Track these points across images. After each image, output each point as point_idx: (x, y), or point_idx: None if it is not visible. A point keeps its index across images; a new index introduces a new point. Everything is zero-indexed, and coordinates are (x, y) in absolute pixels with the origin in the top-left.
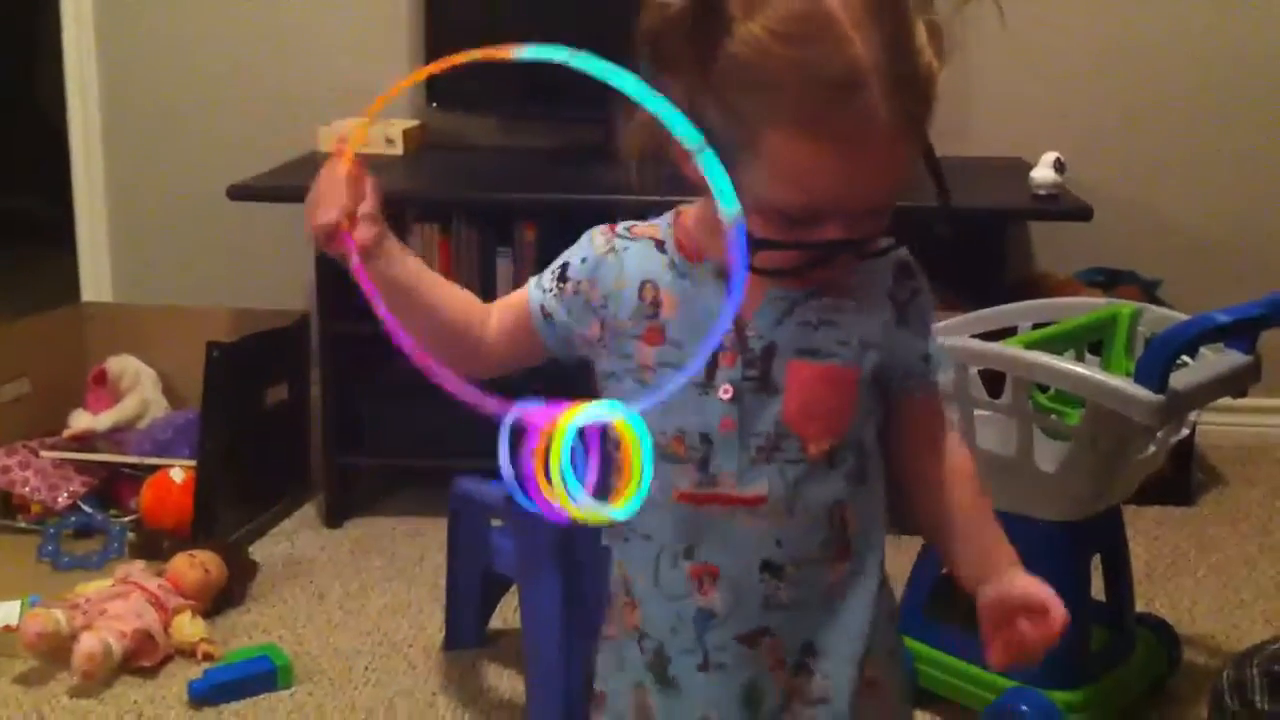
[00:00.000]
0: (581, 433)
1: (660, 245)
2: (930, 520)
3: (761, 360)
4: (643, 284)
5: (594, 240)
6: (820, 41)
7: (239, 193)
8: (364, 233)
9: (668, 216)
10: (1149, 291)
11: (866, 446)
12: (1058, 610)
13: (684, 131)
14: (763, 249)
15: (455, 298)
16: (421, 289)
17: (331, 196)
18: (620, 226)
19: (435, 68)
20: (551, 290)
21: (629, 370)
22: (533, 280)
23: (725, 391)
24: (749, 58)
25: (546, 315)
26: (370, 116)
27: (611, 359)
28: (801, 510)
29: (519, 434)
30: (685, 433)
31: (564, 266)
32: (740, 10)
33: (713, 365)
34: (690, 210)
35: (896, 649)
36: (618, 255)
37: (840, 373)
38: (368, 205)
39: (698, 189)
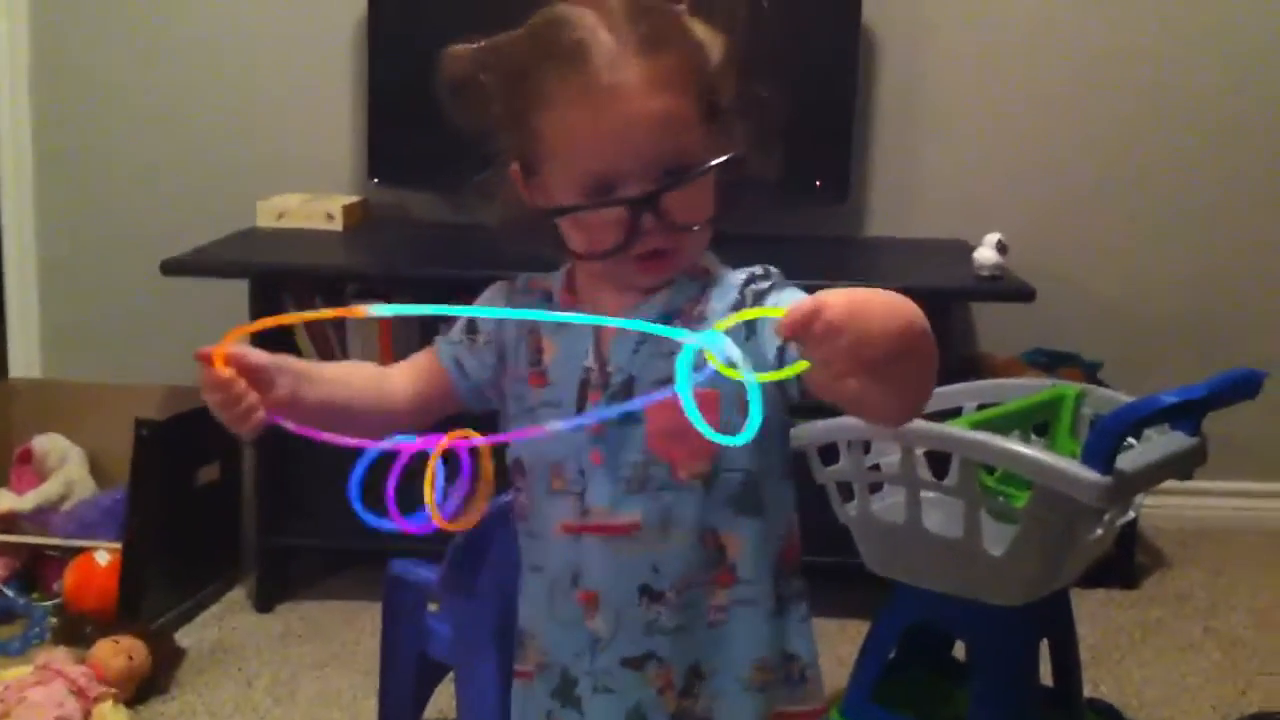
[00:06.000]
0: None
1: (549, 297)
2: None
3: (622, 393)
4: (530, 333)
5: (495, 295)
6: (551, 27)
7: (173, 267)
8: (279, 397)
9: (562, 270)
10: (1091, 373)
11: (756, 473)
12: None
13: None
14: (566, 213)
15: (365, 386)
16: (336, 398)
17: (233, 401)
18: (520, 279)
19: (255, 327)
20: (462, 342)
21: (523, 412)
22: (439, 339)
23: (591, 427)
24: (506, 63)
25: (460, 368)
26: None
27: (509, 403)
28: (676, 535)
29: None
30: (563, 467)
31: (471, 321)
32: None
33: (582, 402)
34: (581, 265)
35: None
36: (514, 308)
37: (698, 396)
38: (276, 380)
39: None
